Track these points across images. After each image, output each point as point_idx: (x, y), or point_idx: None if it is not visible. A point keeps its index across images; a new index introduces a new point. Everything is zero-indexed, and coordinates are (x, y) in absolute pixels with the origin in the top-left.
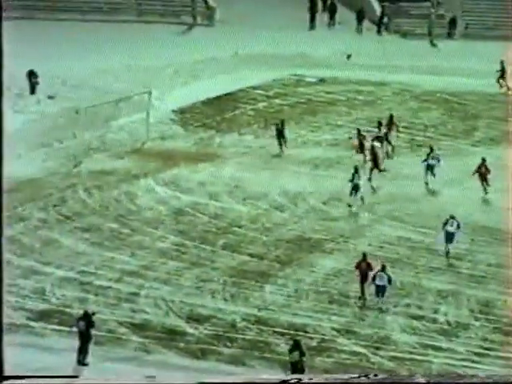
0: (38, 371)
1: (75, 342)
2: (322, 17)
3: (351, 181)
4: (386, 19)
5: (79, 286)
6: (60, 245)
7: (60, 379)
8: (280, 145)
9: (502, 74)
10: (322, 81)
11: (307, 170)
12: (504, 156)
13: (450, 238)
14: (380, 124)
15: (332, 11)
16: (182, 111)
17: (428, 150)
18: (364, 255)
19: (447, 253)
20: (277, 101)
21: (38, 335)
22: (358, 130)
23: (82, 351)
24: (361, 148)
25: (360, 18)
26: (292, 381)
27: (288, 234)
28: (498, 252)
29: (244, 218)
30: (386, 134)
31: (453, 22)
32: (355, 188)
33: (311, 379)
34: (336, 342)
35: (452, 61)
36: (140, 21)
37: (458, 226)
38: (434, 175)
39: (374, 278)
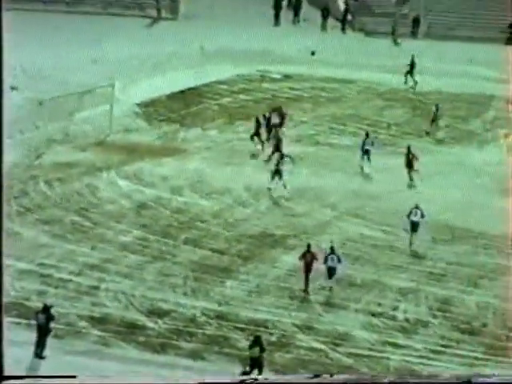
0: None
1: (33, 335)
2: (287, 13)
3: (276, 166)
4: (350, 17)
5: (39, 279)
6: (21, 237)
7: (60, 379)
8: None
9: (411, 68)
10: (286, 77)
11: (271, 165)
12: (464, 154)
13: (414, 227)
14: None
15: (297, 8)
16: (146, 105)
17: (392, 148)
18: (308, 246)
19: (410, 243)
20: (241, 96)
21: None
22: (257, 119)
23: (40, 344)
24: (257, 134)
25: (325, 15)
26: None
27: (251, 229)
28: (457, 250)
29: (207, 213)
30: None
31: (416, 21)
32: (277, 173)
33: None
34: (296, 338)
35: (415, 60)
36: (105, 13)
37: (422, 216)
38: (369, 160)
39: (325, 260)
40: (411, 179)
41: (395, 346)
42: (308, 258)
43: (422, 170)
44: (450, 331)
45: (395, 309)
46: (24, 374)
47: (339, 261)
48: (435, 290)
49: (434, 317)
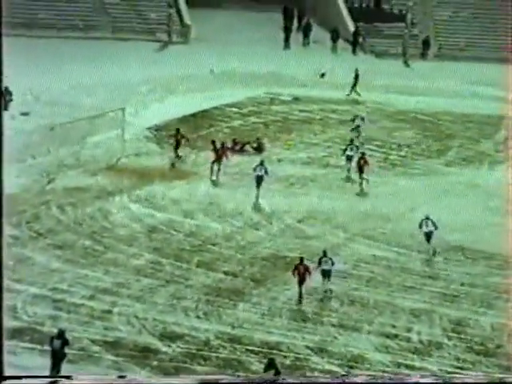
0: None
1: (47, 360)
2: (296, 36)
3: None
4: (360, 39)
5: (52, 304)
6: (33, 262)
7: (60, 379)
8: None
9: (355, 82)
10: (296, 99)
11: (282, 187)
12: (475, 175)
13: (428, 237)
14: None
15: (307, 30)
16: (156, 128)
17: (402, 169)
18: (301, 259)
19: (434, 252)
20: (251, 119)
21: (10, 353)
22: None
23: (55, 369)
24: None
25: (334, 37)
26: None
27: (263, 252)
28: (470, 271)
29: (219, 236)
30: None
31: (426, 43)
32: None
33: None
34: (310, 361)
35: (426, 81)
36: (115, 38)
37: (434, 225)
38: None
39: (319, 263)
40: (361, 183)
41: (410, 367)
42: (301, 269)
43: (434, 190)
44: (465, 353)
45: (409, 330)
46: None
47: (332, 263)
48: (449, 312)
49: (449, 338)
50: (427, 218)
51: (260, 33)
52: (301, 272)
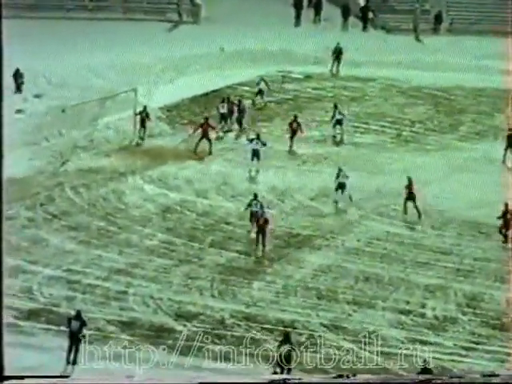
0: (27, 370)
1: (63, 341)
2: (307, 13)
3: (337, 178)
4: (370, 15)
5: (67, 285)
6: (47, 243)
7: (60, 379)
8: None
9: (338, 56)
10: (307, 77)
11: (294, 166)
12: (489, 149)
13: (342, 187)
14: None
15: (317, 7)
16: (168, 109)
17: (415, 145)
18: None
19: (336, 201)
20: (263, 97)
21: (26, 334)
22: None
23: (73, 350)
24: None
25: (345, 14)
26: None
27: (276, 230)
28: (484, 246)
29: (232, 215)
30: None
31: (438, 18)
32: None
33: (300, 379)
34: (324, 338)
35: (438, 56)
36: (125, 18)
37: (347, 177)
38: (341, 135)
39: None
40: (291, 145)
41: (425, 343)
42: (261, 221)
43: (447, 166)
44: (480, 327)
45: (423, 306)
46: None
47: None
48: (463, 287)
49: (463, 313)
50: (340, 170)
51: (270, 10)
52: (260, 224)
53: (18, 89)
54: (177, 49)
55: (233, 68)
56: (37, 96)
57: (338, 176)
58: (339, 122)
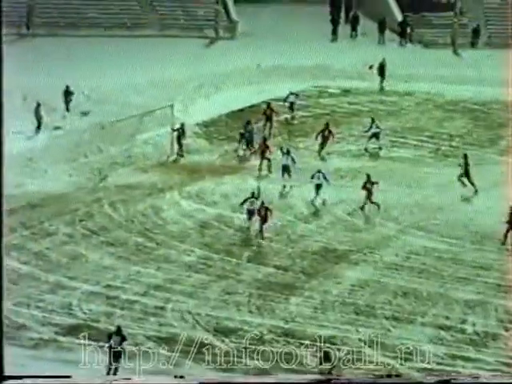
0: None
1: (103, 356)
2: (344, 28)
3: (312, 179)
4: (408, 29)
5: (106, 301)
6: (86, 259)
7: (60, 379)
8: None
9: (382, 70)
10: (344, 91)
11: (332, 180)
12: None
13: (317, 189)
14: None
15: (354, 22)
16: (205, 124)
17: (454, 160)
18: (262, 202)
19: (312, 201)
20: (300, 112)
21: (67, 350)
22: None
23: (114, 366)
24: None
25: (382, 28)
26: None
27: (313, 245)
28: None
29: (269, 230)
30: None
31: (476, 32)
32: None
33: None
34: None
35: (476, 70)
36: (163, 35)
37: (325, 178)
38: (378, 149)
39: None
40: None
41: (465, 359)
42: (262, 211)
43: (487, 181)
44: None
45: (463, 322)
46: None
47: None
48: (504, 302)
49: (505, 329)
50: (319, 172)
51: (307, 26)
52: (262, 214)
53: (67, 106)
54: (213, 65)
55: (269, 83)
56: (84, 113)
57: (312, 177)
58: (375, 136)
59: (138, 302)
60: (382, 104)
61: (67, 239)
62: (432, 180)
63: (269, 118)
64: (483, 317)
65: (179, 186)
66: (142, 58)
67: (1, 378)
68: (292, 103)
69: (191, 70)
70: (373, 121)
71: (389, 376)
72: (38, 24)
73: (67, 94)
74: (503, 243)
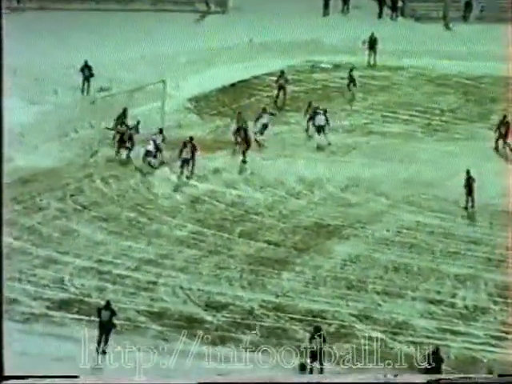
0: (58, 361)
1: (94, 331)
2: (336, 2)
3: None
4: (400, 3)
5: (97, 276)
6: (78, 234)
7: (60, 379)
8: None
9: (372, 46)
10: (336, 66)
11: (324, 156)
12: None
13: (319, 130)
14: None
15: None
16: (197, 99)
17: (445, 134)
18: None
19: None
20: (292, 87)
21: (58, 324)
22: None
23: (103, 340)
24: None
25: (381, 2)
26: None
27: (305, 220)
28: None
29: (261, 206)
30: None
31: (468, 5)
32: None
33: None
34: (354, 328)
35: (468, 44)
36: (154, 9)
37: (327, 119)
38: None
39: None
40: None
41: (455, 333)
42: (242, 134)
43: (477, 156)
44: (511, 317)
45: (454, 296)
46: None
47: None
48: (494, 276)
49: (494, 303)
50: (317, 112)
51: (299, 0)
52: (242, 136)
53: (88, 81)
54: (205, 39)
55: (261, 58)
56: (104, 89)
57: (311, 118)
58: (321, 129)
59: (130, 277)
60: (374, 79)
61: (59, 214)
62: (423, 155)
63: (282, 88)
64: (473, 291)
65: (170, 161)
66: (133, 32)
67: (1, 378)
68: (265, 125)
69: (182, 45)
70: (311, 106)
71: None
72: None
73: (85, 69)
74: (465, 208)
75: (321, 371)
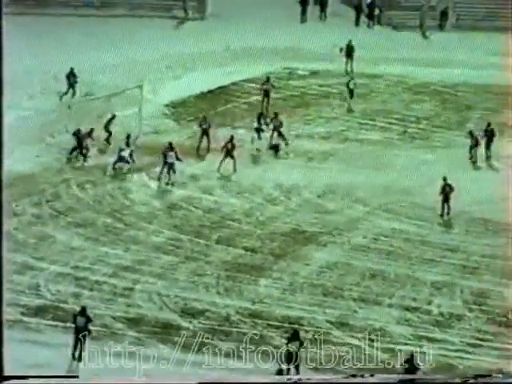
0: (34, 367)
1: (70, 337)
2: (313, 9)
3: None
4: (377, 11)
5: (74, 282)
6: (54, 240)
7: (60, 379)
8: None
9: (349, 53)
10: (314, 73)
11: (301, 162)
12: (496, 146)
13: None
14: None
15: (323, 4)
16: (174, 105)
17: (422, 142)
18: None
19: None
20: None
21: (34, 331)
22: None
23: (79, 347)
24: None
25: (358, 10)
26: (290, 381)
27: (282, 227)
28: (491, 243)
29: (238, 212)
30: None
31: (444, 14)
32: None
33: (309, 379)
34: (331, 335)
35: (444, 52)
36: (131, 15)
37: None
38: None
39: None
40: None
41: (431, 340)
42: (229, 146)
43: (453, 164)
44: (487, 324)
45: (430, 303)
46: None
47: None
48: (470, 284)
49: (470, 310)
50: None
51: (277, 7)
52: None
53: (73, 88)
54: (183, 45)
55: (239, 65)
56: (88, 95)
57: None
58: (275, 148)
59: (107, 283)
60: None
61: (35, 220)
62: (400, 162)
63: (266, 93)
64: (449, 298)
65: (147, 167)
66: (110, 38)
67: (1, 378)
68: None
69: (160, 51)
70: (264, 117)
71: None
72: (5, 2)
73: (70, 76)
74: (441, 215)
75: (297, 374)
